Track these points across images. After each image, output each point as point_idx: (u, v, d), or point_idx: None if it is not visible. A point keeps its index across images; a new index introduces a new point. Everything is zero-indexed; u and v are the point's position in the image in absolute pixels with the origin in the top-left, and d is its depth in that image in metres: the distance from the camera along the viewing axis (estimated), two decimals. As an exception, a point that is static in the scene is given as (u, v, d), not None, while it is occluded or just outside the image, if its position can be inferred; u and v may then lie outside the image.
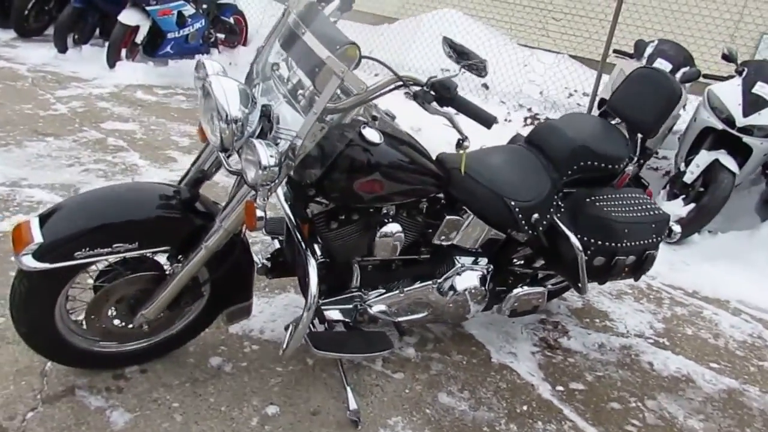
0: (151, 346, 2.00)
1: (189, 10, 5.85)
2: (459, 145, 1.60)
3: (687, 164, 3.79)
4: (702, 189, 3.69)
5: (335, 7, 1.91)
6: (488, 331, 2.56)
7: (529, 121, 5.63)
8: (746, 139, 3.59)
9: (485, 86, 6.09)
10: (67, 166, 3.49)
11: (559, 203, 2.26)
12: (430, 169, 1.96)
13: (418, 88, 1.60)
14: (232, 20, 6.80)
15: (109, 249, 1.65)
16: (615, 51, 4.46)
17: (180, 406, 1.92)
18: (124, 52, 5.56)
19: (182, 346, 2.09)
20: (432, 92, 1.58)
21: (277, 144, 1.65)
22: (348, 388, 2.03)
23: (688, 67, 3.99)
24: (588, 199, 2.27)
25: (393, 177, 1.84)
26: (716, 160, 3.64)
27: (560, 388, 2.30)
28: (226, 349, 2.21)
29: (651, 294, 3.14)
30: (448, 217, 2.10)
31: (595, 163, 2.27)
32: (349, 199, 1.83)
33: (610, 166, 2.30)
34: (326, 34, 1.62)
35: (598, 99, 4.53)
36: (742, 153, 3.67)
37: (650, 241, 2.32)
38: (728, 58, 3.87)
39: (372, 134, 1.78)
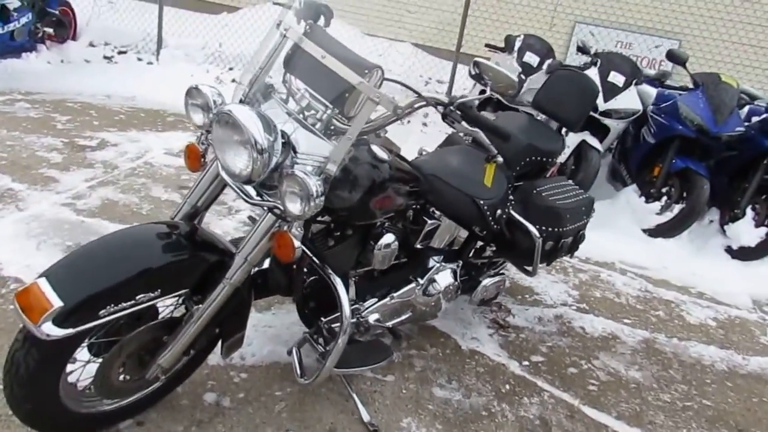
0: (148, 394, 1.84)
1: (14, 2, 5.11)
2: (488, 159, 1.71)
3: (557, 146, 4.29)
4: (574, 167, 4.22)
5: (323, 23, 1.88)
6: (446, 321, 2.73)
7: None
8: (606, 121, 4.18)
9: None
10: (-74, 200, 2.93)
11: (511, 197, 2.47)
12: (417, 179, 2.04)
13: (443, 109, 1.67)
14: (58, 12, 6.05)
15: (133, 301, 1.49)
16: (487, 45, 4.84)
17: (198, 453, 1.80)
18: (-63, 53, 4.73)
19: (177, 387, 1.95)
20: (458, 111, 1.66)
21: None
22: (357, 400, 2.06)
23: (551, 59, 4.49)
24: (535, 191, 2.52)
25: (398, 190, 1.90)
26: (583, 141, 4.18)
27: (526, 363, 2.55)
28: (215, 383, 2.09)
29: (557, 265, 3.55)
30: (429, 221, 2.20)
31: (539, 158, 2.53)
32: (363, 217, 1.85)
33: (549, 159, 2.58)
34: (347, 57, 1.61)
35: (477, 89, 4.87)
36: (601, 132, 4.26)
37: (583, 221, 2.65)
38: (582, 50, 4.42)
39: (380, 152, 1.81)
